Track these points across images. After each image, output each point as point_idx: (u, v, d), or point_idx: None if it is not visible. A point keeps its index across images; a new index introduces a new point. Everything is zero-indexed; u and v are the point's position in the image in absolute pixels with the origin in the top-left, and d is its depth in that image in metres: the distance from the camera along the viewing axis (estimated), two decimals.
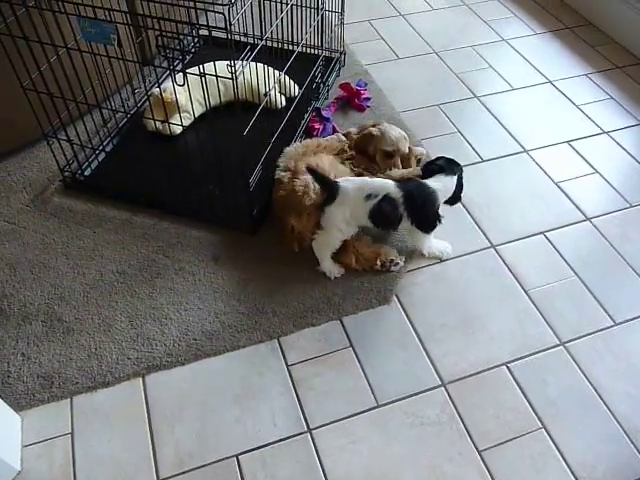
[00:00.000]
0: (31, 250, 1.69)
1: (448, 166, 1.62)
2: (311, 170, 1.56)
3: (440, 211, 1.60)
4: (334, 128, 2.06)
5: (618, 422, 1.38)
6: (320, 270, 1.63)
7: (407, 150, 1.82)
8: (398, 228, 1.62)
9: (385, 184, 1.55)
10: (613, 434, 1.36)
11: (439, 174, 1.60)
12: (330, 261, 1.62)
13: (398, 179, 1.62)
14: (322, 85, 2.18)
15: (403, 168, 1.79)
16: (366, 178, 1.61)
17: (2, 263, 1.66)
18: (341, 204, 1.53)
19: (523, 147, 2.07)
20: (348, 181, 1.56)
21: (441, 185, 1.58)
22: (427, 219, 1.59)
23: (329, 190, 1.53)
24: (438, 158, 1.66)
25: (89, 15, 1.41)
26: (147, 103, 1.97)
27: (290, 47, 2.00)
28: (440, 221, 1.60)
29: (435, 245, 1.67)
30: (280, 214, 1.67)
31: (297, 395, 1.41)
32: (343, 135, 1.89)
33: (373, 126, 1.83)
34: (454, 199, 1.65)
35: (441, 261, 1.69)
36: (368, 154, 1.80)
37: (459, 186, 1.64)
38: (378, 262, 1.62)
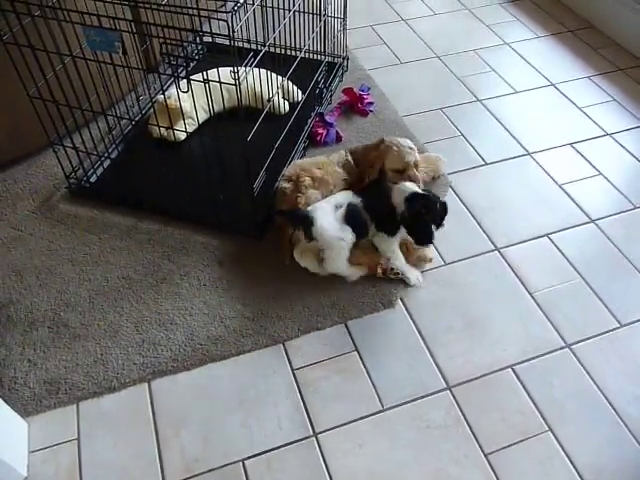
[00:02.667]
0: (37, 256, 1.70)
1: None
2: (281, 212, 1.67)
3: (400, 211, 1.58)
4: (337, 133, 2.07)
5: (625, 424, 1.37)
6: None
7: (415, 158, 1.73)
8: (369, 234, 1.65)
9: (346, 195, 1.65)
10: (620, 436, 1.35)
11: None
12: (348, 266, 1.62)
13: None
14: (325, 90, 2.19)
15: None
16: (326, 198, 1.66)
17: (9, 269, 1.67)
18: (323, 216, 1.57)
19: (526, 150, 2.07)
20: (315, 204, 1.62)
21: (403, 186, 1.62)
22: (384, 217, 1.61)
23: (303, 221, 1.57)
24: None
25: (94, 24, 1.42)
26: (152, 110, 1.99)
27: (293, 53, 2.01)
28: (401, 221, 1.59)
29: (408, 268, 1.63)
30: (282, 225, 1.68)
31: (302, 399, 1.41)
32: (350, 153, 1.82)
33: (378, 145, 1.75)
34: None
35: (446, 264, 1.70)
36: (373, 169, 1.73)
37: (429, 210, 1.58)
38: (379, 270, 1.63)
